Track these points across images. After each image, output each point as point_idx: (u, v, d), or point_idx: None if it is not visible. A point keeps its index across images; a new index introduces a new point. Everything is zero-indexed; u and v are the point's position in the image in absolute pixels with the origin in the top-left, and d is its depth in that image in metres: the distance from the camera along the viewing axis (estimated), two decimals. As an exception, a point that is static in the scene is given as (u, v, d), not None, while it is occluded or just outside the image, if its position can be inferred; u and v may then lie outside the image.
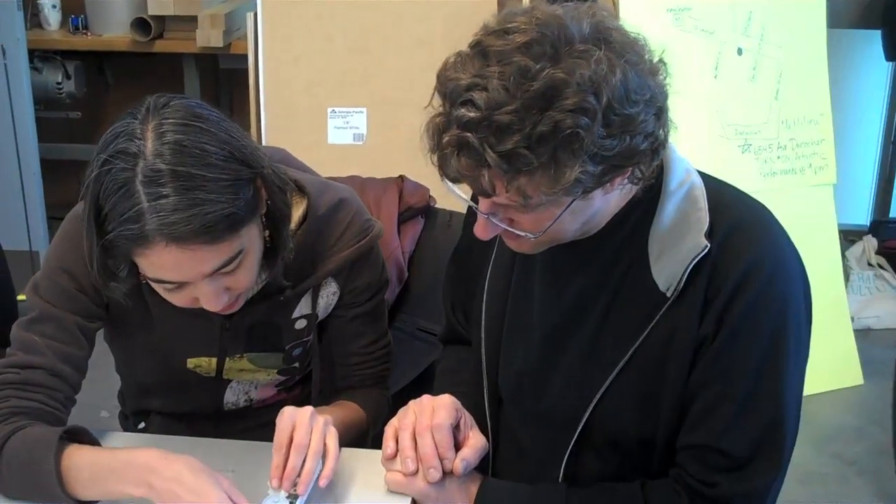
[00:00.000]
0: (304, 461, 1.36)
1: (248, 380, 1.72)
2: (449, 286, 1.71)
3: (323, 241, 1.59)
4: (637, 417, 1.38)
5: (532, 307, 1.48)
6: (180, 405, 1.73)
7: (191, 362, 1.64)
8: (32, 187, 3.84)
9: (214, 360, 1.64)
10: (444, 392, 1.47)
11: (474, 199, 1.32)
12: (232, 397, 1.74)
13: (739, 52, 3.37)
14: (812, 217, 3.48)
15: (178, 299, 1.40)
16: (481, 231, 1.32)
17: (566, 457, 1.44)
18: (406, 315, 1.97)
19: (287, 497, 1.35)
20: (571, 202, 1.25)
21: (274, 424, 1.42)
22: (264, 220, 1.43)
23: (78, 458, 1.38)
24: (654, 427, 1.38)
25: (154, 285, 1.40)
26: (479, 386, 1.56)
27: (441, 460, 1.39)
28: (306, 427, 1.38)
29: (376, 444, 1.51)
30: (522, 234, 1.30)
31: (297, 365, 1.72)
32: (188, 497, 1.28)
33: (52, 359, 1.48)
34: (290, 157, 1.70)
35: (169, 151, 1.28)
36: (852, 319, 3.68)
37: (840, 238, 3.63)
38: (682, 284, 1.32)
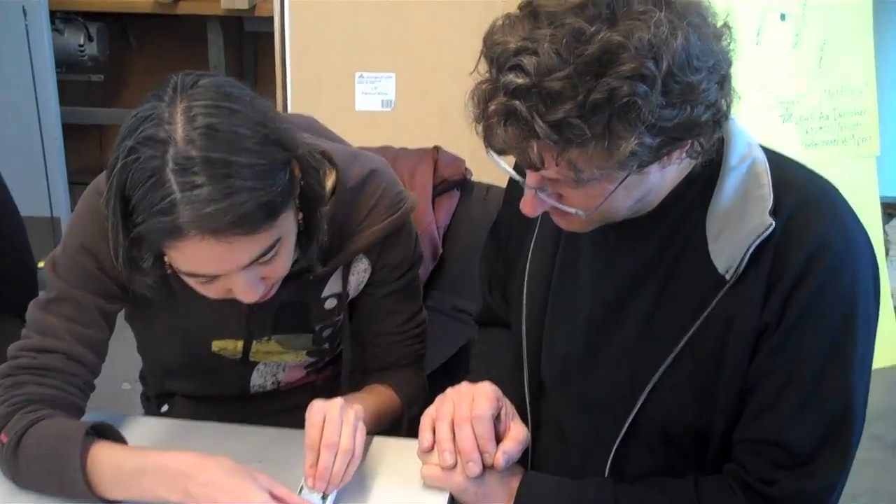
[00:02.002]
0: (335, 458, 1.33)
1: (275, 362, 1.66)
2: (486, 263, 1.64)
3: (353, 216, 1.52)
4: (691, 408, 1.31)
5: (578, 288, 1.41)
6: (205, 388, 1.68)
7: (216, 345, 1.59)
8: (54, 152, 3.80)
9: (241, 342, 1.59)
10: (480, 376, 1.41)
11: (520, 171, 1.23)
12: (259, 380, 1.68)
13: (782, 17, 3.31)
14: (854, 190, 3.28)
15: (212, 291, 1.34)
16: (528, 207, 1.25)
17: (614, 448, 1.36)
18: (440, 293, 1.93)
19: (321, 495, 1.33)
20: (626, 177, 1.18)
21: (302, 407, 1.38)
22: (298, 202, 1.36)
23: (104, 458, 1.33)
24: (709, 419, 1.31)
25: (185, 278, 1.33)
26: (519, 370, 1.49)
27: (481, 453, 1.33)
28: (336, 423, 1.33)
29: (412, 429, 1.45)
30: (572, 210, 1.23)
31: (326, 346, 1.66)
32: (227, 499, 1.25)
33: (70, 342, 1.43)
34: (317, 125, 1.63)
35: (200, 137, 1.20)
36: (892, 296, 3.57)
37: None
38: (742, 266, 1.24)
